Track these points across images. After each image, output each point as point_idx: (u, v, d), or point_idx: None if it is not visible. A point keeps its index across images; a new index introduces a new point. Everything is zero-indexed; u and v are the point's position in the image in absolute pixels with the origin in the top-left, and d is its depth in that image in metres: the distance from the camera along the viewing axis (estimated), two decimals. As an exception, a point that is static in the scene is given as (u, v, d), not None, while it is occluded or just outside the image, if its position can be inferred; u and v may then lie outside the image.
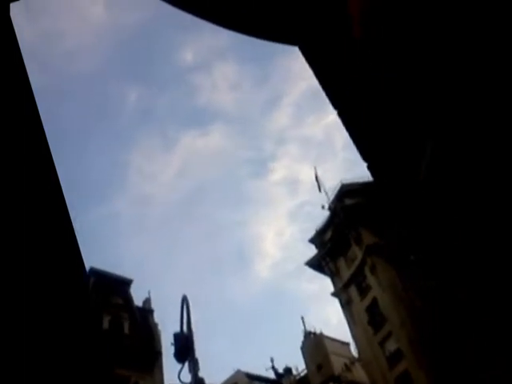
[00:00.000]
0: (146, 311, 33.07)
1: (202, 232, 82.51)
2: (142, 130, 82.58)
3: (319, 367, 42.61)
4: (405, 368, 30.49)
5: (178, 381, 9.20)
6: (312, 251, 40.99)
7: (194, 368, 9.45)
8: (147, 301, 34.06)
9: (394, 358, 31.57)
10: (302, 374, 46.15)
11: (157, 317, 33.45)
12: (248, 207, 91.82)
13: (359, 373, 40.23)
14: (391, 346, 32.07)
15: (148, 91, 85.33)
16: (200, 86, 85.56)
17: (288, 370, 47.50)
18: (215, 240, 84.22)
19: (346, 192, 36.98)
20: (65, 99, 72.26)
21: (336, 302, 38.65)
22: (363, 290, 35.36)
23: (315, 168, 39.94)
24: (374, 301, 33.82)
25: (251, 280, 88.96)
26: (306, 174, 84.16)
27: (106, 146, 77.30)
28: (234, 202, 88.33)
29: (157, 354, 30.01)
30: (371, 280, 34.07)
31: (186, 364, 9.37)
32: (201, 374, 9.38)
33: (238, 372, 45.25)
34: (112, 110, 78.08)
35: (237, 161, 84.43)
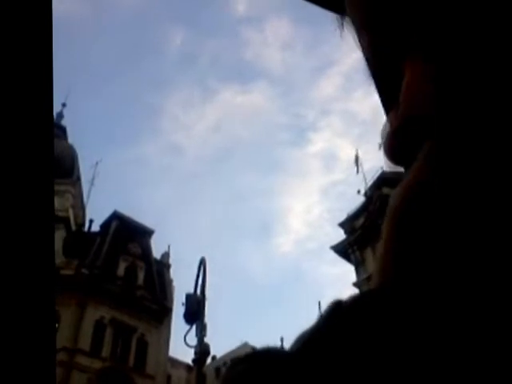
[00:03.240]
0: (163, 265, 32.19)
1: (227, 193, 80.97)
2: (182, 76, 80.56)
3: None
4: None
5: (183, 341, 9.33)
6: (338, 234, 39.36)
7: (201, 332, 9.29)
8: (166, 255, 33.10)
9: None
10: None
11: (172, 273, 32.62)
12: (278, 175, 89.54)
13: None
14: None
15: (194, 36, 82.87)
16: (249, 39, 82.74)
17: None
18: (239, 204, 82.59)
19: (386, 180, 34.83)
20: (105, 34, 70.37)
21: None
22: (387, 285, 33.73)
23: (357, 150, 37.77)
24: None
25: (271, 252, 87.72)
26: (346, 152, 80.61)
27: (141, 87, 75.92)
28: (264, 167, 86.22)
29: (167, 311, 29.25)
30: (398, 276, 32.35)
31: (194, 327, 9.34)
32: (206, 340, 9.36)
33: (246, 345, 44.48)
34: (154, 50, 76.38)
35: (274, 125, 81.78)
